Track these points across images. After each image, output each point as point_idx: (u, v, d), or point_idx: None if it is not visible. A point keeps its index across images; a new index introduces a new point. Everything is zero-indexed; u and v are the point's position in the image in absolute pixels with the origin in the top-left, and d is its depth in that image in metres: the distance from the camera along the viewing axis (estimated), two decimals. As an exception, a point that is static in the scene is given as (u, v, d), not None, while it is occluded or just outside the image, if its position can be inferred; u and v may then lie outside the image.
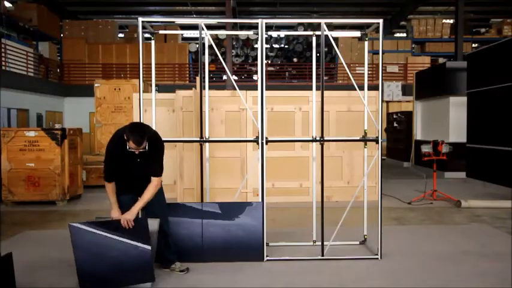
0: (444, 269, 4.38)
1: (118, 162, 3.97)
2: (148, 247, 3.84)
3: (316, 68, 5.09)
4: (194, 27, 18.05)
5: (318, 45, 4.90)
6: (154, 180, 4.01)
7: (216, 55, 14.23)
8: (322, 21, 4.72)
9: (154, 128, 4.83)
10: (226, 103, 7.65)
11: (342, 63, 5.47)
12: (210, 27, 5.31)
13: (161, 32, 6.21)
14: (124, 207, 3.95)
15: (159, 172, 4.05)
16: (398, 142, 15.28)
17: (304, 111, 7.81)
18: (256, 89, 4.89)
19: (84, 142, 10.83)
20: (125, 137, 3.83)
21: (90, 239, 3.77)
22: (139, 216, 3.96)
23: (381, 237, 4.66)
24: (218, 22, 10.56)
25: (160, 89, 16.06)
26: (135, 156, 3.93)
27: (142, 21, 4.64)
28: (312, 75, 5.12)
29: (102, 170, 10.27)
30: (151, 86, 5.69)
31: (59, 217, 6.97)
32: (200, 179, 4.89)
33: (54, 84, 18.77)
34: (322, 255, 4.61)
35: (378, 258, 4.65)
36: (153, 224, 4.00)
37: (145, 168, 3.99)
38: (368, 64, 5.43)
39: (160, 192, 4.17)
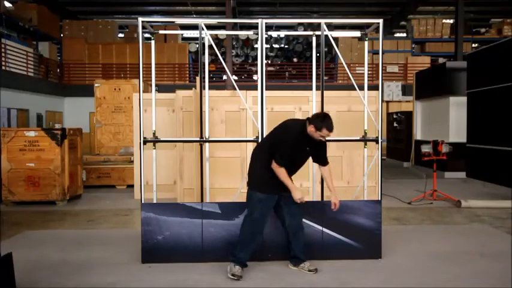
0: (444, 269, 4.37)
1: (289, 151, 4.09)
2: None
3: (316, 68, 5.09)
4: (194, 27, 18.05)
5: (318, 45, 4.91)
6: (328, 166, 4.36)
7: (216, 55, 14.21)
8: (322, 21, 4.73)
9: (154, 128, 4.85)
10: (226, 103, 7.64)
11: (342, 63, 5.47)
12: (210, 27, 5.31)
13: (161, 32, 6.22)
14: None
15: (327, 160, 4.38)
16: (398, 142, 15.28)
17: (304, 111, 7.79)
18: (256, 89, 4.89)
19: (84, 142, 10.84)
20: (313, 128, 4.02)
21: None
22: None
23: (380, 237, 4.66)
24: (218, 22, 10.58)
25: (160, 89, 16.07)
26: (305, 145, 4.16)
27: (142, 21, 4.64)
28: (312, 75, 5.12)
29: (101, 170, 10.28)
30: (151, 86, 5.69)
31: (59, 217, 6.97)
32: (200, 179, 4.89)
33: (54, 84, 18.77)
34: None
35: (377, 258, 4.65)
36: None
37: (313, 156, 4.33)
38: (368, 64, 5.43)
39: None
